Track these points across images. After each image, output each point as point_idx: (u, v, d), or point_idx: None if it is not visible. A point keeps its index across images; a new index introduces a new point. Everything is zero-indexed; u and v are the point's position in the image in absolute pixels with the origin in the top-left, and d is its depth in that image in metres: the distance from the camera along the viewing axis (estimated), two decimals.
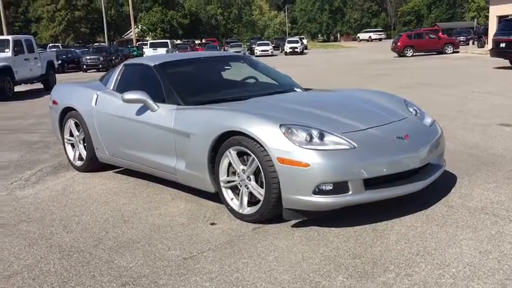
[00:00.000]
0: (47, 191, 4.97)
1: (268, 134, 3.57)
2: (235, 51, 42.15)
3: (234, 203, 3.90)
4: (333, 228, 3.62)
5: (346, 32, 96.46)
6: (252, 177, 3.74)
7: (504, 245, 3.22)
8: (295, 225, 3.70)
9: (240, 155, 3.80)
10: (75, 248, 3.50)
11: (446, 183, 4.51)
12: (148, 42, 32.35)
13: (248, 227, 3.74)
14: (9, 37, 15.38)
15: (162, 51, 30.24)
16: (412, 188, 3.75)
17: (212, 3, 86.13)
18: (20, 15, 74.30)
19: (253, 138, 3.62)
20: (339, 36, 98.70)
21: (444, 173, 4.73)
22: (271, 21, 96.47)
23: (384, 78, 16.06)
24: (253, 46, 45.68)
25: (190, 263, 3.18)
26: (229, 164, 3.88)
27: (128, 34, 74.01)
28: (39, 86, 17.41)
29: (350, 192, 3.49)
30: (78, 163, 5.63)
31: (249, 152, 3.67)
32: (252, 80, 5.29)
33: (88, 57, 28.68)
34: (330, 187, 3.47)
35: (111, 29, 78.99)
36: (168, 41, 33.90)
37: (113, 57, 29.79)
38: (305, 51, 48.36)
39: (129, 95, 4.54)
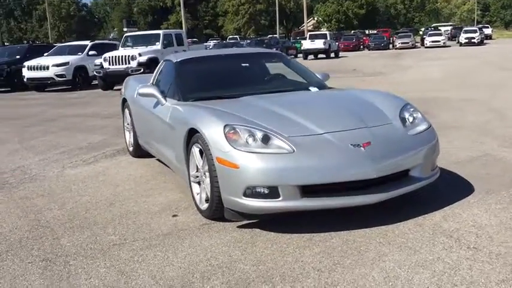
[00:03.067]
0: (89, 171, 5.64)
1: (213, 133, 3.63)
2: (402, 43, 40.48)
3: (197, 198, 4.04)
4: (272, 233, 3.55)
5: None
6: (207, 174, 3.84)
7: (423, 273, 2.85)
8: (241, 226, 3.71)
9: (202, 152, 3.91)
10: (48, 223, 4.01)
11: (448, 198, 4.05)
12: (308, 34, 32.85)
13: (200, 222, 3.85)
14: (160, 31, 17.15)
15: (319, 42, 30.45)
16: (362, 199, 3.47)
17: None
18: (209, 10, 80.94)
19: (204, 137, 3.73)
20: None
21: (462, 187, 4.29)
22: (457, 9, 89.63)
23: None
24: (424, 36, 43.16)
25: (114, 249, 3.44)
26: None
27: (304, 26, 75.61)
28: None
29: (280, 198, 3.39)
30: (131, 148, 6.24)
31: (203, 149, 3.78)
32: (270, 77, 5.29)
33: None
34: (264, 191, 3.42)
35: (290, 20, 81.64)
36: (327, 32, 33.98)
37: (273, 49, 30.85)
38: (486, 41, 44.22)
39: (142, 89, 4.94)
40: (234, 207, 3.55)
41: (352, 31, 61.09)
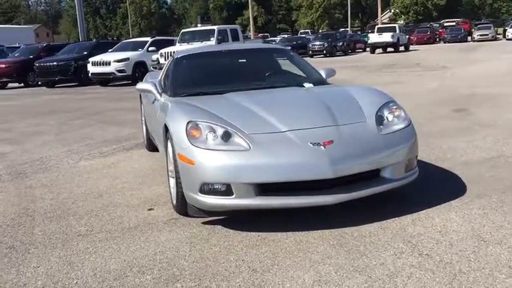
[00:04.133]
0: (100, 163, 5.86)
1: (177, 129, 3.66)
2: (480, 35, 38.31)
3: (172, 193, 4.07)
4: (231, 231, 3.53)
5: None
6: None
7: (356, 279, 2.72)
8: (205, 222, 3.71)
9: None
10: (33, 212, 4.21)
11: (431, 200, 3.83)
12: (376, 27, 31.91)
13: (170, 216, 3.89)
14: (215, 27, 17.43)
15: (387, 36, 29.49)
16: (319, 200, 3.36)
17: None
18: (283, 4, 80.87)
19: (171, 132, 3.77)
20: None
21: (453, 190, 4.06)
22: None
23: None
24: (507, 28, 40.51)
25: (76, 240, 3.55)
26: None
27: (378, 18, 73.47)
28: None
29: (233, 196, 3.36)
30: (145, 142, 6.41)
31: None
32: (268, 73, 5.19)
33: (313, 43, 29.90)
34: (220, 188, 3.40)
35: (366, 13, 79.83)
36: (396, 25, 32.80)
37: (339, 43, 30.38)
38: None
39: (139, 85, 5.06)
40: (194, 203, 3.57)
41: (430, 23, 58.59)
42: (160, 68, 15.33)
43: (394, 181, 3.59)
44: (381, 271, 2.81)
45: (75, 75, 18.27)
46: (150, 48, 17.77)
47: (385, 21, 66.70)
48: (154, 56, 16.46)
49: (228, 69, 5.16)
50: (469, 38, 41.26)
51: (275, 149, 3.41)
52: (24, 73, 19.36)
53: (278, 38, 39.06)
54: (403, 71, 16.99)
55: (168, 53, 15.90)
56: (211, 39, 16.67)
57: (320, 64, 22.33)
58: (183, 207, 3.74)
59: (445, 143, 5.79)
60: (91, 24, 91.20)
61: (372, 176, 3.57)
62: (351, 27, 71.65)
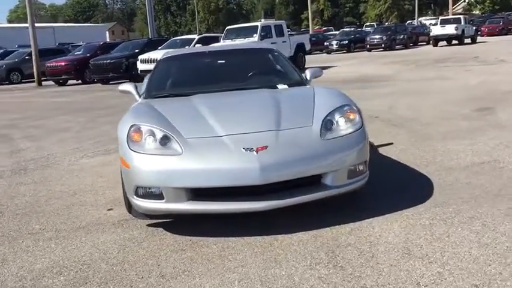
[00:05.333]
0: (97, 162, 6.04)
1: (121, 132, 3.71)
2: None
3: None
4: (168, 234, 3.54)
5: None
6: None
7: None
8: (150, 224, 3.74)
9: None
10: (6, 209, 4.40)
11: (385, 208, 3.65)
12: (439, 19, 30.46)
13: (123, 217, 3.95)
14: (259, 23, 17.37)
15: (450, 28, 28.09)
16: (249, 206, 3.28)
17: None
18: None
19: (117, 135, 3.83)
20: None
21: (415, 198, 3.85)
22: None
23: None
24: None
25: (24, 238, 3.68)
26: None
27: (454, 8, 70.26)
28: None
29: (164, 200, 3.36)
30: None
31: None
32: (249, 74, 5.07)
33: (371, 37, 29.10)
34: (155, 191, 3.41)
35: (437, 4, 76.66)
36: (461, 16, 31.11)
37: (399, 36, 29.40)
38: None
39: (121, 87, 5.17)
40: (133, 206, 3.60)
41: (507, 13, 55.26)
42: None
43: (334, 188, 3.43)
44: (284, 283, 2.71)
45: (127, 72, 18.88)
46: (197, 45, 18.00)
47: (459, 11, 63.71)
48: None
49: (206, 71, 5.14)
50: None
51: (207, 154, 3.36)
52: (82, 70, 20.27)
53: (337, 32, 38.40)
54: (454, 65, 16.18)
55: None
56: (254, 35, 16.67)
57: (371, 58, 21.71)
58: (129, 209, 3.79)
59: (443, 145, 5.47)
60: (162, 21, 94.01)
61: (312, 183, 3.44)
62: (423, 18, 69.03)
